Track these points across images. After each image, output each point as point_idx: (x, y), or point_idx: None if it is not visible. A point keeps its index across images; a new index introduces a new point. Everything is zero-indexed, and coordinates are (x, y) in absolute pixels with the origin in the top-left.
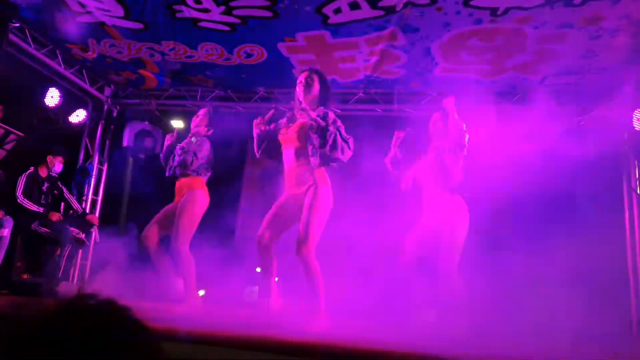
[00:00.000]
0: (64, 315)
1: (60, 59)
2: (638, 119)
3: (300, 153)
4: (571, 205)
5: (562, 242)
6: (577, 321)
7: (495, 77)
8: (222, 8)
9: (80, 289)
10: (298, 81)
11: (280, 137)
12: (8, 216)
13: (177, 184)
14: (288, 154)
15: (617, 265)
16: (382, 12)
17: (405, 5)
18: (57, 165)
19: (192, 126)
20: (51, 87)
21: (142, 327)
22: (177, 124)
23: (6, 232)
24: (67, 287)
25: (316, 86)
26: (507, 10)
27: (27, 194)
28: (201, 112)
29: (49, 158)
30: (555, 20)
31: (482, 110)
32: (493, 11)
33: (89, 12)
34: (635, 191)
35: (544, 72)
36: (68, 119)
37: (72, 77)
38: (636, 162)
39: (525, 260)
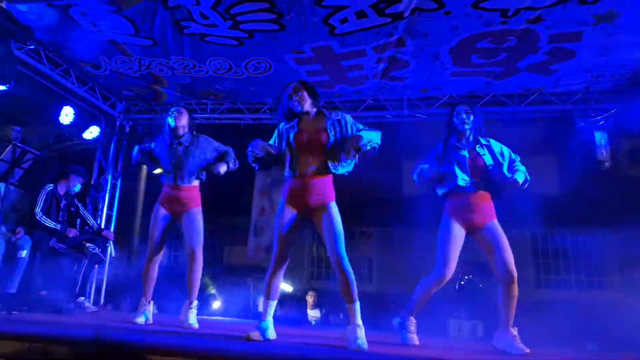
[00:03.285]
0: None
1: (73, 77)
2: None
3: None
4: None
5: None
6: None
7: (507, 78)
8: (229, 23)
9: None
10: (289, 94)
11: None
12: (27, 235)
13: None
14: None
15: None
16: (389, 20)
17: (413, 11)
18: (76, 184)
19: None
20: (65, 105)
21: None
22: None
23: (25, 253)
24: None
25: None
26: (517, 11)
27: (45, 211)
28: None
29: (72, 177)
30: (569, 18)
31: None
32: (503, 12)
33: (100, 31)
34: None
35: (559, 73)
36: (82, 136)
37: (85, 95)
38: None
39: None
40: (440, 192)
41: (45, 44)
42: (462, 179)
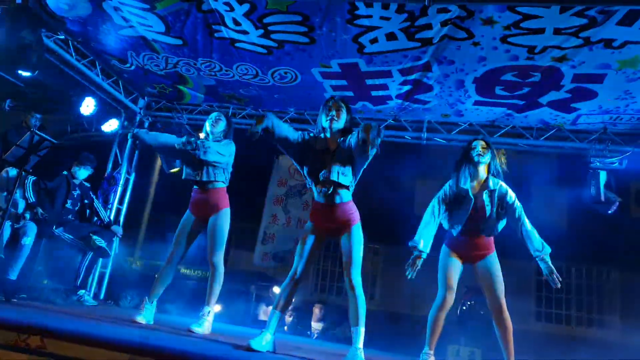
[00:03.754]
0: None
1: (98, 69)
2: None
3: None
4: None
5: None
6: None
7: (527, 112)
8: (261, 32)
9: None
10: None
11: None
12: (32, 222)
13: None
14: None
15: None
16: (418, 44)
17: (442, 38)
18: (82, 170)
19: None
20: (88, 96)
21: None
22: None
23: (29, 240)
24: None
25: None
26: (544, 49)
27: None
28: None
29: (82, 163)
30: (594, 60)
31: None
32: (530, 49)
33: (131, 27)
34: None
35: (579, 111)
36: (101, 128)
37: (109, 88)
38: None
39: None
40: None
41: (74, 35)
42: (456, 225)
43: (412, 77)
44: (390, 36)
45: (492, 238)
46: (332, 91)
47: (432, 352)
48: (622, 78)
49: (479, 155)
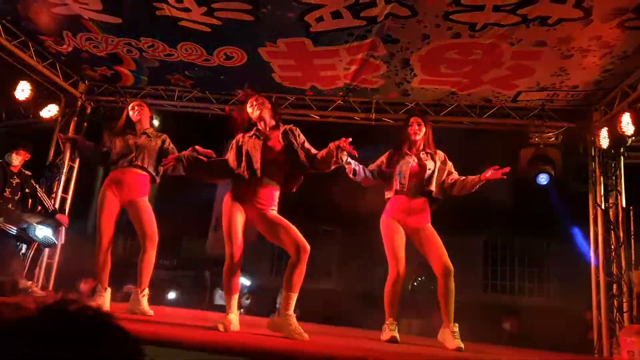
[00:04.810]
0: (46, 318)
1: (32, 51)
2: (604, 137)
3: None
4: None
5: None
6: None
7: (471, 90)
8: (204, 9)
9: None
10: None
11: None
12: None
13: None
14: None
15: None
16: (363, 22)
17: (387, 16)
18: (16, 160)
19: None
20: (22, 80)
21: (125, 333)
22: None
23: None
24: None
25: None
26: (485, 26)
27: None
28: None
29: (19, 151)
30: (531, 38)
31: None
32: (472, 26)
33: (65, 4)
34: (600, 206)
35: (519, 88)
36: (39, 114)
37: (45, 71)
38: (602, 178)
39: None
40: (387, 196)
41: (3, 13)
42: (401, 183)
43: (359, 56)
44: (336, 14)
45: (428, 210)
46: (280, 71)
47: (393, 320)
48: (557, 55)
49: (416, 133)
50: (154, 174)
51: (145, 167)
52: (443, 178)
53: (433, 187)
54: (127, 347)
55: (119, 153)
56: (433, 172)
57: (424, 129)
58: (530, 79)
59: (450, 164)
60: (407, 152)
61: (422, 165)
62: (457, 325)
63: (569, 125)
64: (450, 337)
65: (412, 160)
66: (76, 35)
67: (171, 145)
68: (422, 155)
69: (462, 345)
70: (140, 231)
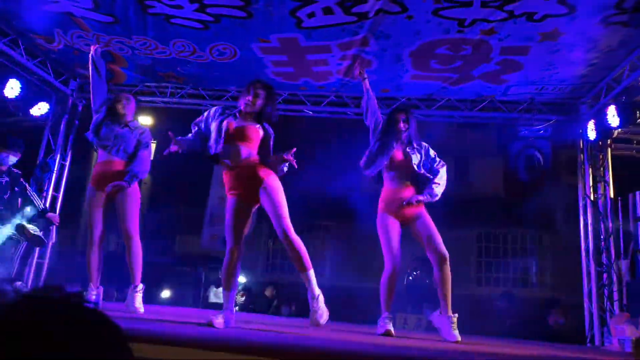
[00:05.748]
0: (28, 305)
1: (22, 49)
2: (592, 130)
3: None
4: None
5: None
6: None
7: (461, 85)
8: (196, 5)
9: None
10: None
11: None
12: None
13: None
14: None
15: None
16: (355, 18)
17: (378, 12)
18: (9, 157)
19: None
20: (11, 78)
21: (109, 323)
22: (146, 121)
23: None
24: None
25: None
26: (473, 22)
27: None
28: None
29: (9, 150)
30: (518, 33)
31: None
32: (460, 22)
33: (56, 2)
34: (589, 197)
35: (508, 83)
36: (29, 112)
37: (35, 69)
38: (590, 170)
39: None
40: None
41: None
42: (389, 175)
43: (351, 52)
44: (327, 10)
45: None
46: (273, 67)
47: (389, 314)
48: (544, 50)
49: (400, 129)
50: (130, 166)
51: (122, 158)
52: (429, 167)
53: (420, 176)
54: (109, 333)
55: (102, 139)
56: (419, 163)
57: (409, 124)
58: (519, 74)
59: (434, 153)
60: (394, 145)
61: (408, 157)
62: (456, 315)
63: (557, 118)
64: (449, 326)
65: (399, 154)
66: (67, 33)
67: (145, 139)
68: (408, 149)
69: (460, 338)
70: (121, 226)
